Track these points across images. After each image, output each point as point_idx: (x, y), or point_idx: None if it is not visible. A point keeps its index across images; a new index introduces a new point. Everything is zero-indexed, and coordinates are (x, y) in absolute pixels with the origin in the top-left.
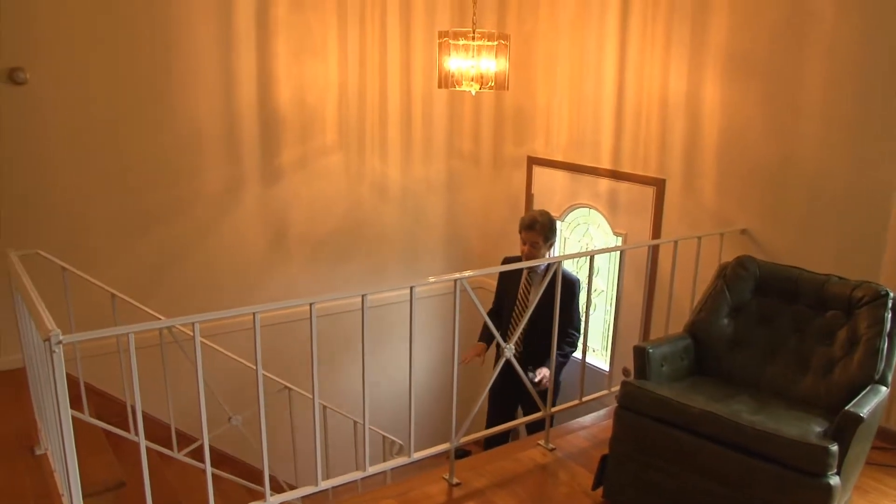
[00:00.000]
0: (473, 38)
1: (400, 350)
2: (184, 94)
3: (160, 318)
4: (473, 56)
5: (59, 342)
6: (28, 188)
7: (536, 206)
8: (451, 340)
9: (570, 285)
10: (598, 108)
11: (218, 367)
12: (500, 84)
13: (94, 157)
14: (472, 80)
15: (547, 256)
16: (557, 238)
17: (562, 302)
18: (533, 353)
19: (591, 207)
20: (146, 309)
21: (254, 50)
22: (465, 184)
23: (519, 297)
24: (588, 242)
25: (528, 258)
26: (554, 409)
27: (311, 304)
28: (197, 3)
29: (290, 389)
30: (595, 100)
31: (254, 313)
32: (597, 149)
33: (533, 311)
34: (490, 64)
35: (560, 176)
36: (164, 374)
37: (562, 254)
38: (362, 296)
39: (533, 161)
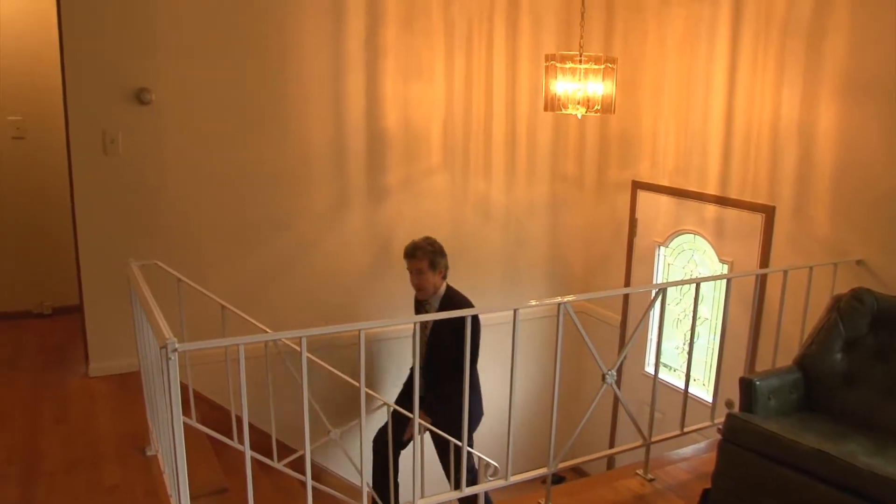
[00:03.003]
0: (580, 61)
1: (497, 371)
2: (296, 115)
3: (267, 331)
4: (580, 79)
5: (175, 350)
6: (150, 202)
7: (641, 232)
8: (549, 364)
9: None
10: (705, 131)
11: (318, 380)
12: (607, 107)
13: (211, 173)
14: (579, 103)
15: (442, 283)
16: (448, 265)
17: (454, 331)
18: (431, 390)
19: (696, 234)
20: (254, 321)
21: (363, 72)
22: (569, 207)
23: (422, 333)
24: (693, 269)
25: (418, 288)
26: (654, 440)
27: (415, 324)
28: (311, 27)
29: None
30: (703, 123)
31: (360, 330)
32: (703, 174)
33: (429, 348)
34: (597, 87)
35: (665, 201)
36: (269, 386)
37: (666, 280)
38: (465, 318)
39: (637, 185)
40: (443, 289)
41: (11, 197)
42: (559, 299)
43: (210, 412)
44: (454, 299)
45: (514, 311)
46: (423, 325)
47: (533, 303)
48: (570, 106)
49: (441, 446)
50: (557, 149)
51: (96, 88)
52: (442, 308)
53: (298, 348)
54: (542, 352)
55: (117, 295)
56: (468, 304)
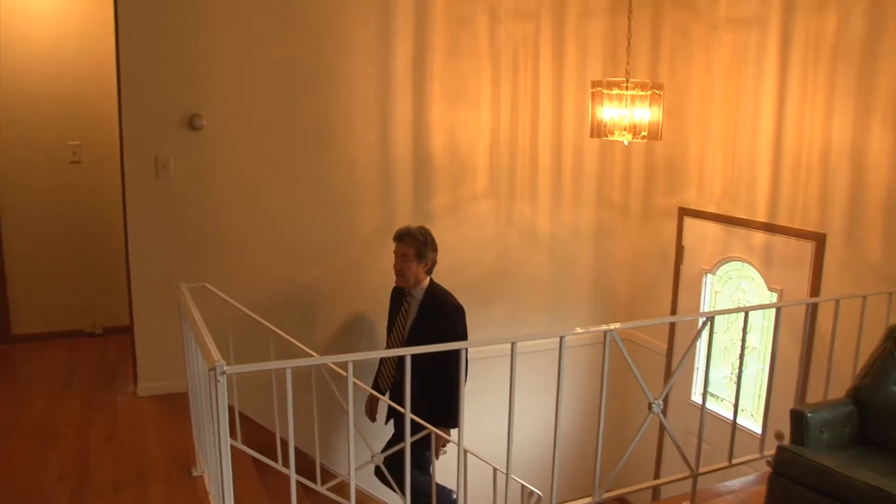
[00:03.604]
0: (627, 88)
1: (541, 398)
2: (343, 139)
3: (314, 355)
4: (626, 105)
5: (223, 373)
6: (200, 226)
7: (688, 259)
8: (593, 392)
9: (449, 312)
10: (753, 158)
11: (362, 404)
12: (654, 134)
13: (259, 198)
14: (625, 129)
15: (425, 278)
16: (436, 260)
17: (439, 333)
18: (402, 393)
19: (744, 261)
20: (300, 345)
21: (410, 97)
22: (614, 233)
23: (396, 323)
24: (740, 297)
25: (399, 273)
26: (701, 471)
27: (462, 350)
28: (359, 53)
29: (433, 433)
30: (751, 149)
31: (407, 355)
32: (752, 200)
33: (409, 341)
34: (643, 113)
35: (712, 228)
36: (314, 410)
37: (713, 308)
38: (511, 343)
39: (684, 212)
40: (426, 283)
41: (67, 219)
42: (606, 327)
43: (252, 432)
44: (438, 294)
45: (561, 338)
46: (403, 316)
47: (579, 330)
48: (616, 132)
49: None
50: (603, 175)
51: (150, 114)
52: (426, 303)
53: (344, 372)
54: (587, 379)
55: (166, 316)
56: (453, 301)
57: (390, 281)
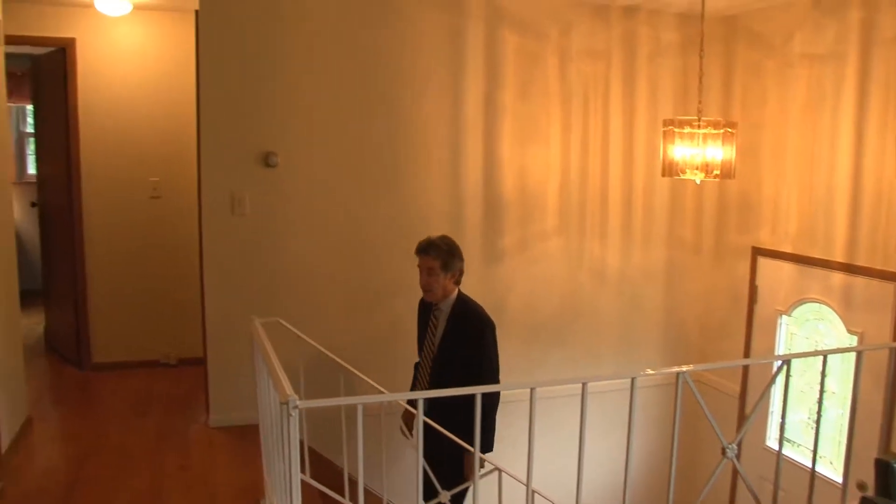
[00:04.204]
0: (699, 126)
1: (608, 440)
2: (414, 177)
3: (384, 391)
4: (699, 144)
5: (296, 407)
6: (274, 261)
7: (762, 300)
8: (662, 434)
9: (478, 326)
10: (831, 196)
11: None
12: (727, 173)
13: (331, 234)
14: (697, 168)
15: (454, 289)
16: (463, 270)
17: (469, 350)
18: (436, 410)
19: (821, 303)
20: (370, 381)
21: (481, 135)
22: (685, 273)
23: (426, 339)
24: (818, 340)
25: (426, 288)
26: None
27: (531, 389)
28: (431, 92)
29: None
30: (828, 187)
31: (477, 394)
32: (829, 240)
33: (437, 361)
34: (716, 152)
35: (787, 268)
36: (383, 446)
37: (789, 351)
38: (582, 383)
39: (758, 252)
40: (454, 295)
41: (146, 252)
42: (678, 369)
43: (318, 466)
44: (468, 307)
45: (632, 379)
46: (432, 331)
47: (650, 371)
48: (688, 171)
49: (443, 477)
50: (674, 213)
51: (227, 152)
52: (454, 316)
53: (414, 410)
54: (656, 421)
55: (239, 349)
56: (482, 315)
57: None
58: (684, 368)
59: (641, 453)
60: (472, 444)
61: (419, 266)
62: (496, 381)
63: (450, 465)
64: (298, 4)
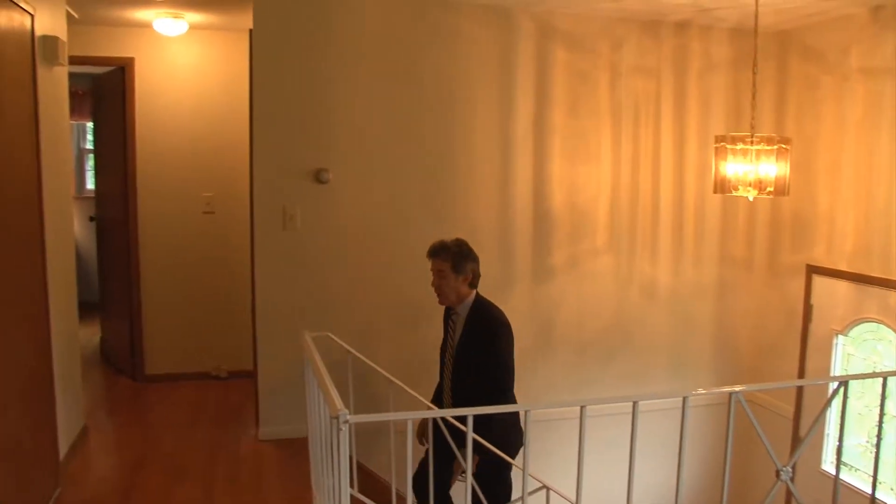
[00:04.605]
0: (752, 143)
1: (657, 460)
2: (464, 194)
3: (433, 407)
4: (751, 160)
5: (346, 421)
6: (324, 276)
7: (816, 319)
8: (712, 455)
9: (493, 327)
10: (889, 213)
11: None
12: (780, 189)
13: (381, 250)
14: (750, 185)
15: (469, 292)
16: (478, 272)
17: (482, 350)
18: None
19: (880, 322)
20: (419, 397)
21: (530, 152)
22: (737, 291)
23: (447, 345)
24: (876, 361)
25: (439, 291)
26: None
27: (581, 407)
28: (480, 109)
29: (548, 489)
30: (887, 204)
31: (526, 410)
32: (888, 258)
33: (456, 364)
34: (769, 168)
35: (843, 287)
36: (429, 460)
37: (846, 372)
38: (633, 402)
39: (812, 270)
40: (471, 298)
41: (199, 266)
42: (731, 388)
43: (365, 480)
44: (484, 310)
45: (684, 398)
46: (451, 335)
47: (702, 391)
48: (740, 188)
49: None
50: (726, 231)
51: (279, 168)
52: (471, 319)
53: (464, 427)
54: (706, 441)
55: (289, 363)
56: (497, 316)
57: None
58: (737, 388)
59: (692, 474)
60: (494, 446)
61: (431, 269)
62: (510, 383)
63: (483, 474)
64: (351, 23)
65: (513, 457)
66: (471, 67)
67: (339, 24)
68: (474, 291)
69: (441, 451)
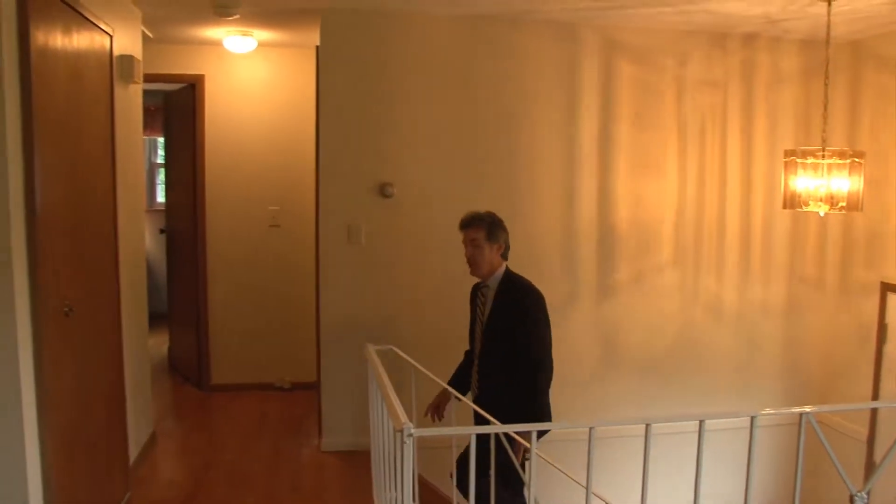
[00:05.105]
0: (823, 156)
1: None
2: (528, 208)
3: (495, 422)
4: (823, 175)
5: (411, 435)
6: (387, 290)
7: (892, 339)
8: (780, 477)
9: (523, 297)
10: None
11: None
12: (853, 204)
13: (444, 265)
14: (821, 200)
15: (501, 263)
16: (509, 243)
17: (516, 322)
18: (486, 393)
19: None
20: (482, 412)
21: (595, 167)
22: (807, 309)
23: (476, 322)
24: None
25: (471, 262)
26: None
27: (646, 425)
28: (545, 124)
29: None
30: None
31: (590, 427)
32: None
33: (486, 340)
34: (841, 183)
35: None
36: (492, 474)
37: None
38: (700, 421)
39: (887, 287)
40: (502, 270)
41: (264, 279)
42: (802, 409)
43: (424, 493)
44: (515, 281)
45: (752, 418)
46: (481, 310)
47: (771, 411)
48: (811, 203)
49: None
50: (795, 248)
51: (345, 183)
52: (501, 291)
53: (527, 443)
54: (772, 463)
55: (352, 375)
56: (531, 289)
57: (572, 350)
58: (808, 409)
59: (758, 496)
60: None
61: (463, 241)
62: (547, 353)
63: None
64: (414, 40)
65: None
66: (534, 82)
67: (403, 41)
68: (505, 263)
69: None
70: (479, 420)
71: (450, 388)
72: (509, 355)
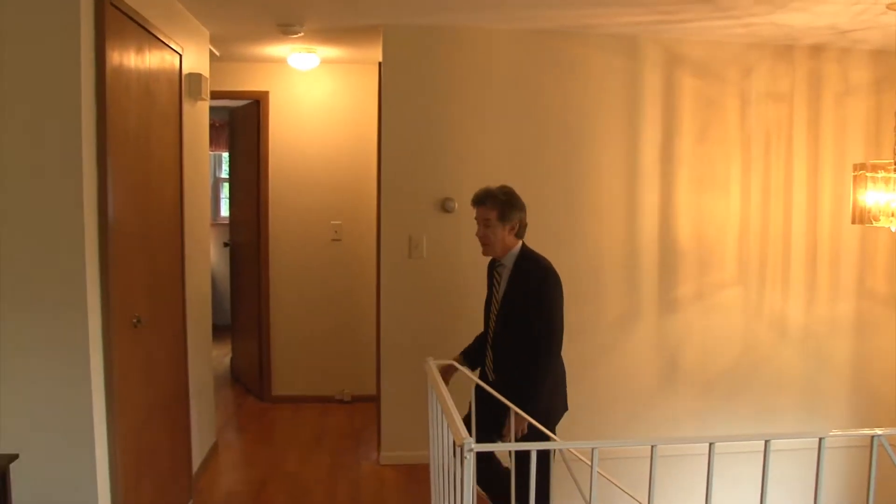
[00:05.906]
0: (894, 171)
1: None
2: (589, 224)
3: (556, 439)
4: (894, 189)
5: (471, 450)
6: (447, 304)
7: None
8: (843, 501)
9: (539, 275)
10: None
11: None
12: None
13: None
14: (893, 215)
15: (515, 242)
16: (525, 222)
17: (529, 300)
18: (500, 370)
19: None
20: (543, 428)
21: (657, 182)
22: (879, 328)
23: (492, 299)
24: None
25: (482, 241)
26: None
27: (710, 444)
28: (606, 139)
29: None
30: None
31: (652, 446)
32: None
33: (500, 317)
34: None
35: None
36: (550, 491)
37: None
38: (765, 440)
39: None
40: (517, 248)
41: (326, 293)
42: (872, 431)
43: None
44: (531, 259)
45: (820, 440)
46: (496, 289)
47: (839, 432)
48: (882, 218)
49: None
50: (865, 264)
51: (406, 198)
52: (517, 269)
53: (586, 460)
54: (838, 486)
55: (412, 389)
56: (546, 265)
57: (633, 368)
58: (879, 431)
59: None
60: (523, 401)
61: (476, 218)
62: (559, 334)
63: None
64: (476, 54)
65: (555, 424)
66: (595, 97)
67: (465, 56)
68: (521, 241)
69: (486, 418)
70: (491, 402)
71: (466, 370)
72: (523, 339)
